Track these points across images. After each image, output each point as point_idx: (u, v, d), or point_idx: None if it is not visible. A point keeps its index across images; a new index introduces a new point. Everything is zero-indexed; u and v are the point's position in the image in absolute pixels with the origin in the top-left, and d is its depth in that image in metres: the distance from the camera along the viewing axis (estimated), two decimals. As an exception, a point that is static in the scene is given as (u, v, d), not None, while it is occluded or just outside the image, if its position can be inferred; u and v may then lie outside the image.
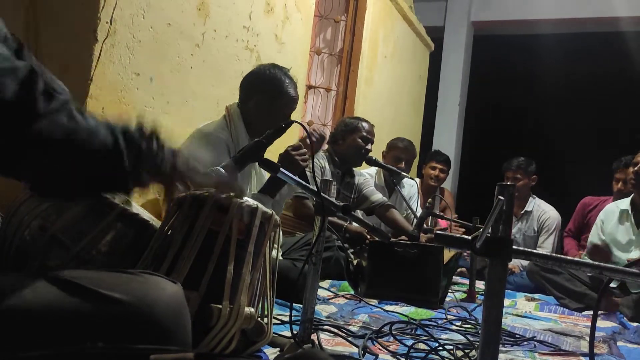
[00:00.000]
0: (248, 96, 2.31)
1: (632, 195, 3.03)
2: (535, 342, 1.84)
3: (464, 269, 3.75)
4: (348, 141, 3.19)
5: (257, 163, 2.10)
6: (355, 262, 2.66)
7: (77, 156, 0.78)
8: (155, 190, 1.01)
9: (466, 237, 0.89)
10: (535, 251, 0.95)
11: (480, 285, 2.88)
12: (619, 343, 1.95)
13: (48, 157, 0.74)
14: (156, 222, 1.28)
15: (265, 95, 2.27)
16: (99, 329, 0.74)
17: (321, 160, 3.13)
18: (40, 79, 0.73)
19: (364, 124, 3.23)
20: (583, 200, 3.95)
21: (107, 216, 1.17)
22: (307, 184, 1.42)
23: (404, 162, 3.68)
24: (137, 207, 1.28)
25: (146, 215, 1.27)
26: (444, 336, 1.80)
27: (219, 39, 2.80)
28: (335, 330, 1.70)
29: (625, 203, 3.05)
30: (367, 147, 3.20)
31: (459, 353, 1.52)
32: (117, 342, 0.72)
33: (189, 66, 2.61)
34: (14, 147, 0.71)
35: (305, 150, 2.11)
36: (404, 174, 3.43)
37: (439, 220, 3.69)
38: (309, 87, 4.22)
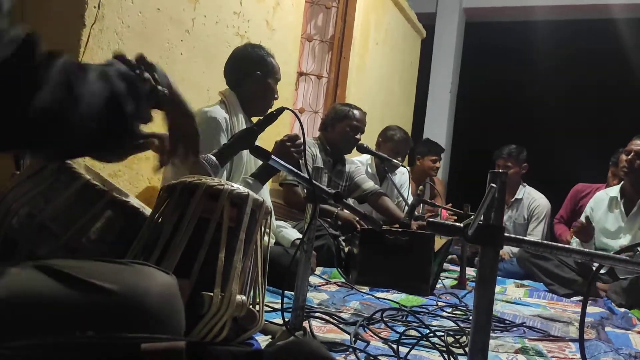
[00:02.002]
0: (242, 79, 2.36)
1: (622, 182, 3.05)
2: (525, 328, 1.86)
3: (454, 257, 3.78)
4: (338, 129, 3.18)
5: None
6: (346, 249, 2.67)
7: (80, 119, 0.76)
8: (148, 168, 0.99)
9: (458, 224, 0.89)
10: (526, 238, 0.95)
11: (470, 272, 2.89)
12: (607, 328, 1.98)
13: (49, 128, 0.73)
14: (147, 210, 1.27)
15: (260, 72, 2.37)
16: (90, 319, 0.74)
17: (312, 148, 3.12)
18: (39, 43, 0.72)
19: (355, 112, 3.22)
20: (575, 187, 3.97)
21: (96, 203, 1.16)
22: (299, 172, 1.41)
23: (399, 155, 3.69)
24: (127, 194, 1.27)
25: (136, 202, 1.26)
26: (434, 323, 1.82)
27: (209, 25, 2.77)
28: (327, 318, 1.70)
29: (614, 190, 3.07)
30: (357, 135, 3.20)
31: (450, 339, 1.53)
32: (107, 332, 0.72)
33: (179, 52, 2.58)
34: (14, 118, 0.70)
35: (301, 142, 2.12)
36: (395, 161, 3.43)
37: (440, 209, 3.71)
38: (300, 74, 4.20)
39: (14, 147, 0.79)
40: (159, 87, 0.93)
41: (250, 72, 2.36)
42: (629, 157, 2.91)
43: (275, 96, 2.44)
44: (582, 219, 3.12)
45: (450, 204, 3.87)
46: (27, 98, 0.69)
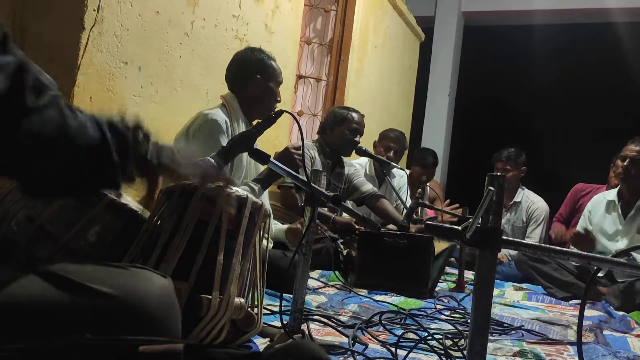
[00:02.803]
0: (243, 83, 2.36)
1: (619, 186, 3.06)
2: (523, 331, 1.86)
3: (453, 259, 3.78)
4: (337, 131, 3.18)
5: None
6: (345, 252, 2.67)
7: (67, 152, 0.76)
8: (140, 187, 0.98)
9: (456, 227, 0.89)
10: (524, 241, 0.95)
11: (469, 275, 2.90)
12: (605, 332, 1.98)
13: (38, 154, 0.73)
14: (145, 213, 1.27)
15: (261, 76, 2.36)
16: (88, 323, 0.74)
17: (311, 150, 3.12)
18: (29, 74, 0.71)
19: (354, 115, 3.22)
20: (575, 186, 3.97)
21: (95, 206, 1.16)
22: (298, 175, 1.41)
23: (392, 152, 3.69)
24: (126, 197, 1.27)
25: (135, 205, 1.26)
26: (433, 326, 1.82)
27: (208, 28, 2.77)
28: (325, 320, 1.70)
29: (612, 194, 3.07)
30: (356, 137, 3.20)
31: (448, 342, 1.53)
32: (106, 335, 0.72)
33: (178, 55, 2.59)
34: (3, 144, 0.69)
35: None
36: (394, 164, 3.43)
37: (428, 210, 3.70)
38: (299, 77, 4.20)
39: (4, 173, 0.78)
40: (148, 154, 0.90)
41: (250, 76, 2.36)
42: (625, 163, 2.91)
43: (278, 99, 2.44)
44: (580, 225, 3.13)
45: (448, 200, 3.87)
46: (16, 122, 0.69)
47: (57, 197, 0.87)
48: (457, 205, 3.50)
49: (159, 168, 0.93)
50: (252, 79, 2.36)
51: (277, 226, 2.51)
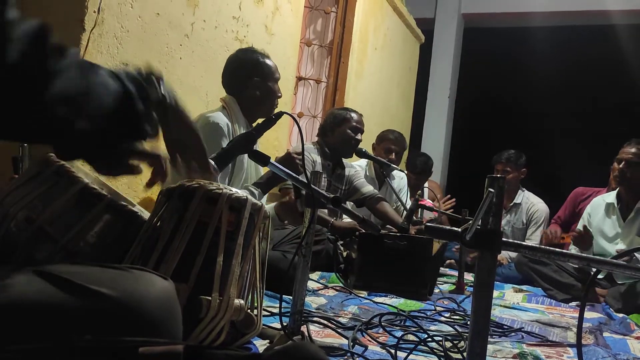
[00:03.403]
0: (241, 86, 2.36)
1: (618, 188, 3.06)
2: (523, 333, 1.86)
3: (452, 261, 3.78)
4: (337, 132, 3.19)
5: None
6: (344, 254, 2.67)
7: (93, 109, 0.76)
8: (140, 187, 0.97)
9: (456, 229, 0.89)
10: (524, 243, 0.95)
11: (469, 277, 2.89)
12: (605, 334, 1.98)
13: (65, 115, 0.73)
14: (145, 214, 1.27)
15: (258, 77, 2.37)
16: (88, 324, 0.74)
17: (312, 154, 3.12)
18: (49, 35, 0.72)
19: (353, 114, 3.22)
20: (576, 190, 3.97)
21: (95, 207, 1.16)
22: (298, 176, 1.41)
23: (394, 154, 3.69)
24: (125, 198, 1.27)
25: (135, 206, 1.26)
26: (432, 327, 1.82)
27: (209, 30, 2.77)
28: (325, 322, 1.70)
29: (611, 196, 3.07)
30: (357, 137, 3.20)
31: (448, 344, 1.53)
32: (105, 337, 0.71)
33: (178, 57, 2.59)
34: (31, 109, 0.70)
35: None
36: (394, 166, 3.44)
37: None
38: (299, 78, 4.21)
39: (30, 137, 0.79)
40: (167, 98, 0.91)
41: (248, 79, 2.36)
42: (621, 165, 2.92)
43: (279, 95, 2.44)
44: (580, 226, 3.12)
45: (449, 195, 3.87)
46: (42, 87, 0.69)
47: (90, 158, 0.87)
48: (453, 200, 3.50)
49: (175, 110, 0.94)
50: (249, 82, 2.36)
51: (267, 205, 2.50)
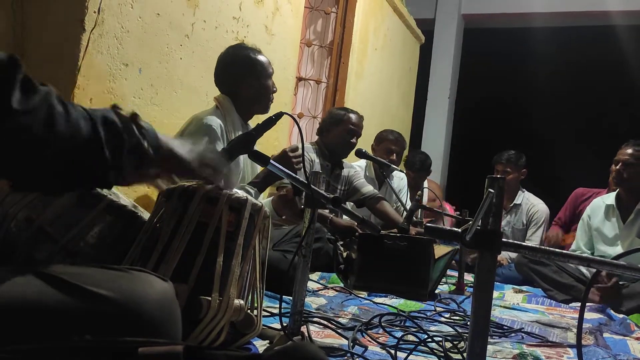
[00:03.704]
0: (234, 85, 2.35)
1: (617, 190, 3.06)
2: (523, 334, 1.86)
3: (452, 262, 3.77)
4: (334, 132, 3.18)
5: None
6: (344, 254, 2.66)
7: (56, 150, 0.74)
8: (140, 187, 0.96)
9: (456, 229, 0.89)
10: (524, 244, 0.95)
11: (469, 277, 2.89)
12: (605, 334, 1.97)
13: (25, 152, 0.72)
14: (145, 214, 1.27)
15: (252, 75, 2.35)
16: (86, 325, 0.74)
17: (311, 154, 3.12)
18: (20, 70, 0.70)
19: (351, 116, 3.22)
20: (576, 191, 3.97)
21: (95, 208, 1.16)
22: (297, 176, 1.41)
23: (395, 154, 3.69)
24: (125, 198, 1.27)
25: (134, 206, 1.26)
26: (432, 328, 1.81)
27: (209, 30, 2.77)
28: (325, 323, 1.70)
29: (610, 198, 3.07)
30: (352, 139, 3.20)
31: (448, 345, 1.53)
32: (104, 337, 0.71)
33: (178, 57, 2.59)
34: None
35: (300, 152, 2.14)
36: (394, 166, 3.43)
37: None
38: (299, 79, 4.21)
39: None
40: (145, 145, 0.86)
41: (241, 78, 2.34)
42: (618, 167, 2.91)
43: (274, 89, 2.42)
44: (579, 227, 3.12)
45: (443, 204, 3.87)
46: (2, 125, 0.68)
47: (46, 193, 0.85)
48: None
49: (159, 159, 0.90)
50: (243, 81, 2.33)
51: (264, 200, 2.50)
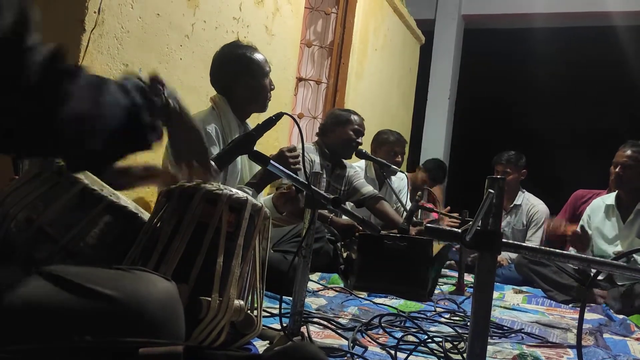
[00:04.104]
0: (230, 84, 2.32)
1: (617, 191, 3.06)
2: (523, 334, 1.86)
3: (452, 262, 3.78)
4: (338, 133, 3.18)
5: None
6: (344, 254, 2.66)
7: (105, 128, 0.80)
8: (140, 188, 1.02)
9: (456, 230, 0.89)
10: (524, 244, 0.95)
11: (469, 278, 2.89)
12: (605, 335, 1.97)
13: (79, 136, 0.76)
14: (145, 215, 1.27)
15: (247, 75, 2.31)
16: (91, 325, 0.74)
17: (311, 154, 3.12)
18: (66, 56, 0.75)
19: (355, 117, 3.22)
20: (576, 192, 3.97)
21: (95, 208, 1.16)
22: (297, 177, 1.41)
23: (399, 156, 3.70)
24: (125, 199, 1.27)
25: (135, 207, 1.26)
26: (432, 328, 1.81)
27: (209, 30, 2.78)
28: (325, 323, 1.70)
29: (610, 198, 3.07)
30: (357, 140, 3.20)
31: (448, 345, 1.53)
32: (107, 337, 0.72)
33: (178, 57, 2.59)
34: (45, 129, 0.73)
35: (298, 153, 2.13)
36: (395, 167, 3.43)
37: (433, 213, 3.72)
38: (299, 79, 4.21)
39: (44, 153, 0.86)
40: (171, 102, 0.97)
41: (237, 77, 2.30)
42: (617, 169, 2.92)
43: (271, 87, 2.38)
44: (578, 228, 3.12)
45: (448, 208, 3.88)
46: (56, 109, 0.72)
47: (99, 169, 0.95)
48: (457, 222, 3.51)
49: (177, 113, 1.00)
50: (238, 80, 2.30)
51: (264, 197, 2.49)
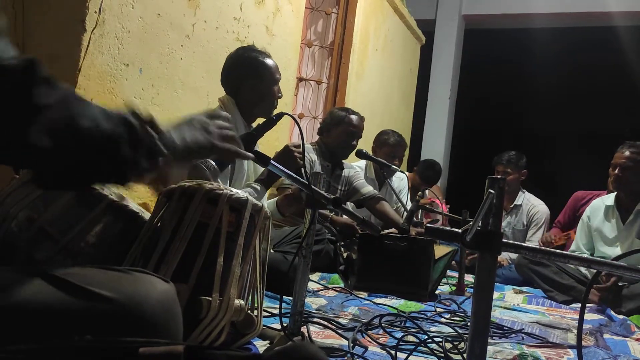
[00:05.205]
0: (238, 86, 2.33)
1: (617, 192, 3.06)
2: (523, 335, 1.86)
3: (453, 262, 3.77)
4: (335, 133, 3.18)
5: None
6: (345, 255, 2.67)
7: (78, 149, 0.76)
8: (140, 188, 1.00)
9: (456, 230, 0.89)
10: (524, 244, 0.95)
11: (469, 278, 2.89)
12: (606, 335, 1.97)
13: (48, 152, 0.73)
14: (145, 214, 1.27)
15: (256, 78, 2.31)
16: (88, 326, 0.74)
17: (311, 154, 3.12)
18: (40, 68, 0.72)
19: (352, 117, 3.21)
20: (575, 194, 3.97)
21: (95, 208, 1.16)
22: (298, 177, 1.41)
23: (397, 159, 3.70)
24: (126, 199, 1.27)
25: (135, 207, 1.26)
26: (433, 329, 1.81)
27: (209, 30, 2.78)
28: (325, 323, 1.70)
29: (610, 199, 3.07)
30: (353, 141, 3.19)
31: (448, 345, 1.53)
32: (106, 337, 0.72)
33: (179, 57, 2.59)
34: (14, 141, 0.70)
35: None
36: (395, 167, 3.43)
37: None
38: (300, 79, 4.21)
39: (15, 165, 0.80)
40: (162, 148, 0.88)
41: (245, 80, 2.31)
42: (615, 171, 2.91)
43: (279, 95, 2.39)
44: (579, 228, 3.13)
45: (447, 206, 3.88)
46: (27, 121, 0.70)
47: (66, 190, 0.88)
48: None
49: (177, 156, 0.92)
50: (245, 83, 2.31)
51: (267, 201, 2.50)
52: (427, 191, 4.12)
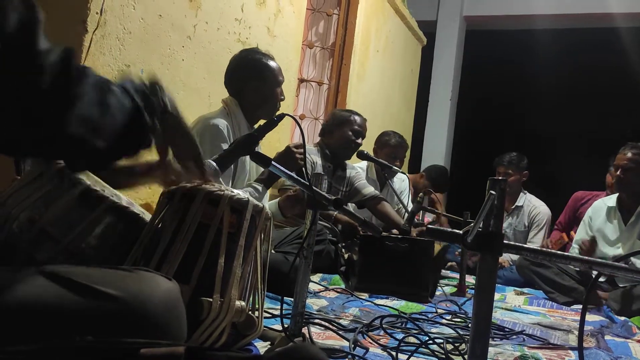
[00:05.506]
0: (241, 87, 2.34)
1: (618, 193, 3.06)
2: (524, 336, 1.86)
3: (454, 264, 3.77)
4: (338, 133, 3.18)
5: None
6: (346, 255, 2.66)
7: (110, 129, 0.82)
8: (140, 189, 1.05)
9: (457, 231, 0.89)
10: (525, 245, 0.95)
11: (470, 279, 2.89)
12: (607, 337, 1.97)
13: (86, 137, 0.78)
14: (147, 216, 1.27)
15: (259, 80, 2.33)
16: (92, 324, 0.74)
17: (312, 155, 3.12)
18: (74, 58, 0.77)
19: (356, 117, 3.22)
20: (575, 194, 3.97)
21: (96, 209, 1.16)
22: (299, 178, 1.41)
23: (398, 160, 3.69)
24: (127, 199, 1.27)
25: (136, 208, 1.26)
26: (434, 330, 1.81)
27: (211, 31, 2.78)
28: (326, 324, 1.70)
29: (612, 200, 3.07)
30: (357, 140, 3.19)
31: (449, 346, 1.53)
32: (109, 338, 0.72)
33: (180, 58, 2.59)
34: (53, 131, 0.74)
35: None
36: (396, 168, 3.43)
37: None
38: (301, 80, 4.21)
39: (50, 155, 0.89)
40: (168, 105, 0.99)
41: (249, 80, 2.33)
42: (617, 173, 2.92)
43: (282, 97, 2.41)
44: (580, 229, 3.12)
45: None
46: (65, 111, 0.74)
47: (100, 168, 1.00)
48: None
49: (173, 116, 1.03)
50: (248, 84, 2.33)
51: (268, 202, 2.50)
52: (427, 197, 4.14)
